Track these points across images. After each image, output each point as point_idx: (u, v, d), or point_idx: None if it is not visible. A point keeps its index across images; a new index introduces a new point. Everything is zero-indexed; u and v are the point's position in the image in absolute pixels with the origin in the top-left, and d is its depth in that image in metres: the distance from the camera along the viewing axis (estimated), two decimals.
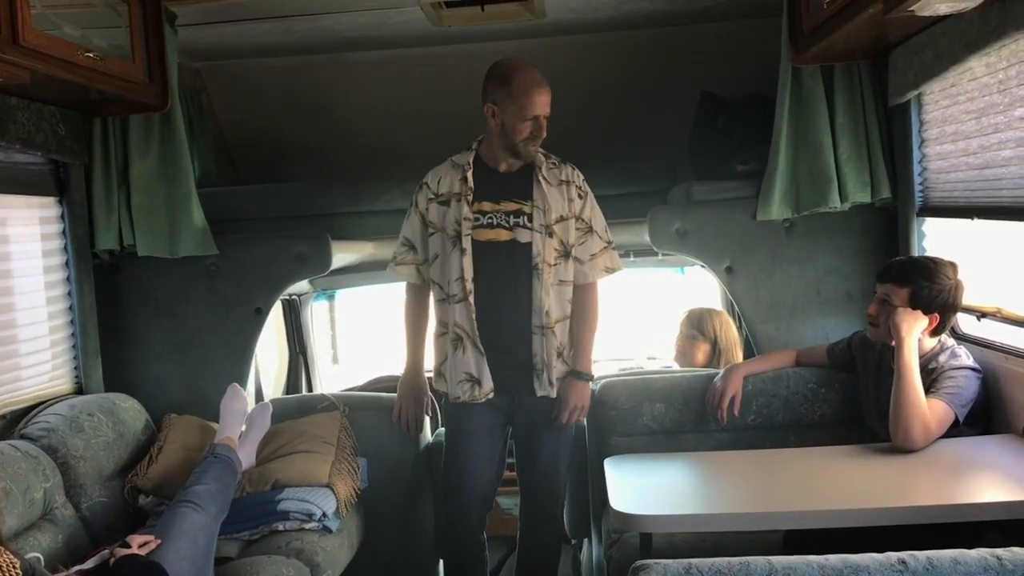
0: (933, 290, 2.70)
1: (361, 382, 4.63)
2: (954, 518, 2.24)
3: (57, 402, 3.07)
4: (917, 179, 3.15)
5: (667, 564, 1.56)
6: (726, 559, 1.57)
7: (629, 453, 2.98)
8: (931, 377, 2.72)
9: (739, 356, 3.96)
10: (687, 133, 3.79)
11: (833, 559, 1.55)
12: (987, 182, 2.68)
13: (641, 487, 2.63)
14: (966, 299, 2.79)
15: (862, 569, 1.52)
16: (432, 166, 3.15)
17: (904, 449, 2.60)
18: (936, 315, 2.71)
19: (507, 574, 4.34)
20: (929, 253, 3.10)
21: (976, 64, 2.57)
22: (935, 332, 2.76)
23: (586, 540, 3.59)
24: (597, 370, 4.70)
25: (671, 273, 5.17)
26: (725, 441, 3.12)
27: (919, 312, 2.71)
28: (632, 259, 4.29)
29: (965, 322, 2.97)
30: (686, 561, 1.57)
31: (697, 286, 5.03)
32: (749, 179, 3.46)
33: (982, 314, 2.82)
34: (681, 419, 3.16)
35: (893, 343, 2.71)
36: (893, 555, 1.55)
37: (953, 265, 2.76)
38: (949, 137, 2.90)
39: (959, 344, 2.82)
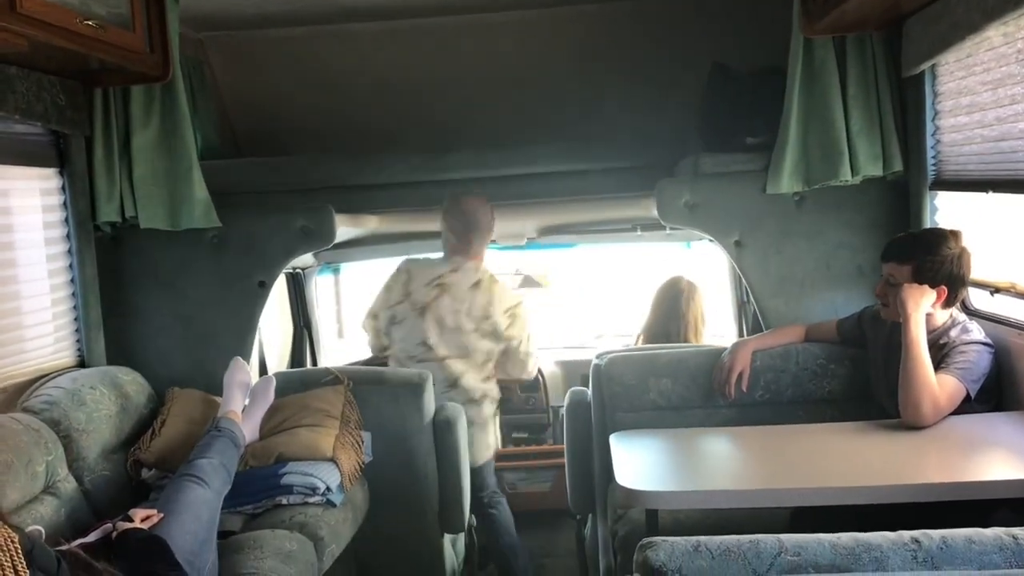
0: (935, 262, 2.67)
1: (366, 356, 4.60)
2: (964, 496, 2.21)
3: (59, 375, 3.05)
4: (930, 152, 3.10)
5: (675, 541, 1.53)
6: (735, 537, 1.54)
7: (635, 429, 2.96)
8: (942, 352, 2.69)
9: (702, 332, 3.95)
10: (695, 105, 3.73)
11: (845, 538, 1.52)
12: (1003, 155, 2.63)
13: (647, 463, 2.61)
14: (979, 274, 2.75)
15: (874, 548, 1.49)
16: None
17: (914, 425, 2.58)
18: (943, 287, 2.67)
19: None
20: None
21: (994, 33, 2.51)
22: (946, 305, 2.72)
23: (589, 516, 3.57)
24: (602, 345, 4.72)
25: (677, 248, 5.12)
26: (732, 417, 3.09)
27: (925, 286, 2.67)
28: (639, 233, 4.25)
29: (977, 297, 2.93)
30: (694, 539, 1.54)
31: (704, 260, 5.01)
32: (759, 152, 3.41)
33: (995, 289, 2.78)
34: (688, 395, 3.13)
35: (902, 320, 2.68)
36: (906, 534, 1.52)
37: (955, 234, 2.72)
38: (964, 109, 2.84)
39: (971, 319, 2.78)
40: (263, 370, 4.28)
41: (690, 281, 4.11)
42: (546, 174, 3.83)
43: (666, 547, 1.53)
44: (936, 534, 1.52)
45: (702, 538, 1.54)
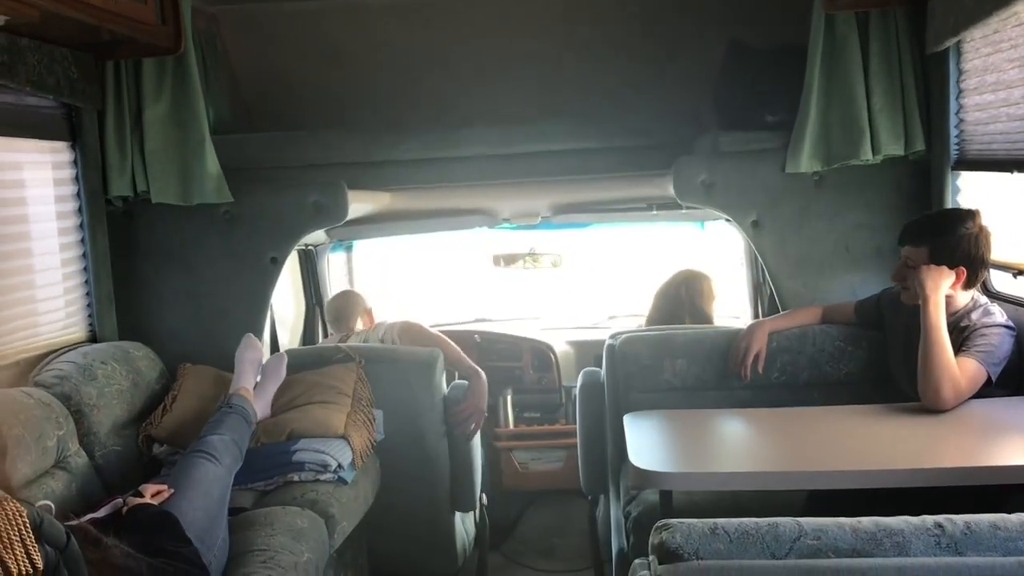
0: (952, 243, 2.62)
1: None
2: (983, 481, 2.17)
3: (70, 350, 3.05)
4: (953, 131, 3.04)
5: (692, 524, 1.50)
6: (753, 520, 1.51)
7: (649, 409, 2.93)
8: (963, 335, 2.64)
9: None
10: (712, 82, 3.67)
11: (866, 522, 1.49)
12: None
13: (661, 444, 2.58)
14: (1001, 255, 2.69)
15: (896, 532, 1.46)
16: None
17: (933, 409, 2.53)
18: (962, 268, 2.63)
19: (524, 527, 4.35)
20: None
21: (1022, 8, 2.44)
22: (966, 286, 2.67)
23: (601, 496, 3.55)
24: (615, 326, 4.69)
25: (691, 229, 5.07)
26: (748, 399, 3.05)
27: (943, 268, 2.62)
28: (655, 213, 4.21)
29: (1000, 279, 2.88)
30: (711, 521, 1.51)
31: (717, 241, 4.96)
32: (778, 130, 3.36)
33: (1018, 271, 2.73)
34: (703, 376, 3.10)
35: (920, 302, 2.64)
36: (929, 519, 1.48)
37: (972, 213, 2.67)
38: (989, 87, 2.78)
39: (993, 302, 2.74)
40: (275, 347, 4.27)
41: (692, 271, 4.03)
42: (560, 151, 3.78)
43: (683, 529, 1.50)
44: (960, 519, 1.48)
45: (719, 520, 1.51)
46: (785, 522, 1.49)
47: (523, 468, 4.35)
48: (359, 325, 4.00)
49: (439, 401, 3.27)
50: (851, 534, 1.46)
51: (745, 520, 1.51)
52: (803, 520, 1.50)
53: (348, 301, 4.22)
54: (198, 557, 2.20)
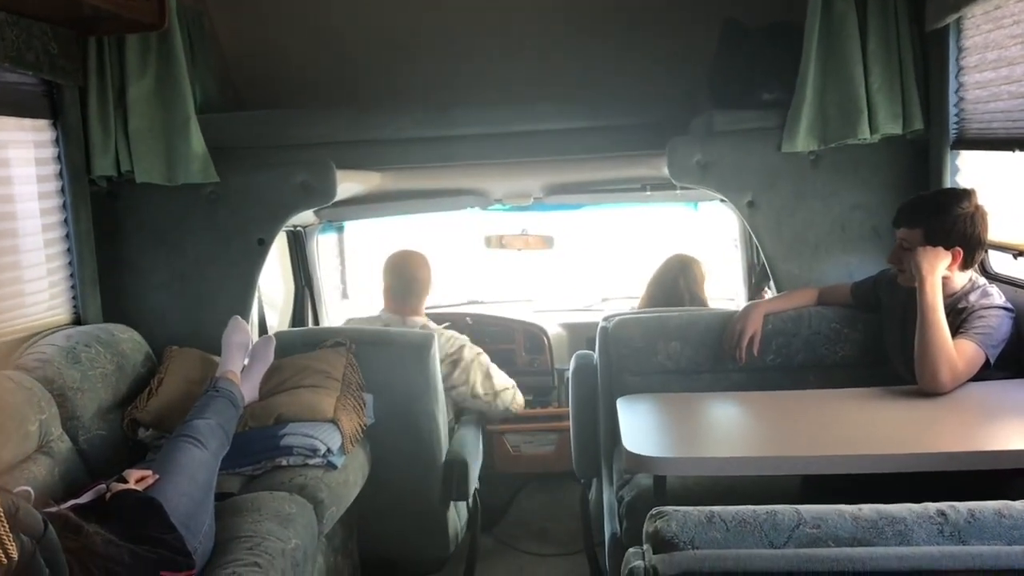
0: (947, 223, 2.59)
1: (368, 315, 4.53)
2: (983, 465, 2.14)
3: (53, 332, 2.99)
4: (952, 109, 3.00)
5: (687, 512, 1.46)
6: (751, 508, 1.47)
7: (642, 392, 2.89)
8: (961, 317, 2.61)
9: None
10: (706, 60, 3.61)
11: (867, 509, 1.45)
12: None
13: (655, 428, 2.54)
14: (1001, 236, 2.65)
15: (898, 520, 1.42)
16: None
17: (931, 392, 2.51)
18: (958, 249, 2.59)
19: (516, 510, 4.33)
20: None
21: None
22: (963, 267, 2.64)
23: (594, 479, 3.52)
24: (608, 308, 4.64)
25: (684, 210, 5.02)
26: (742, 381, 3.02)
27: (940, 249, 2.59)
28: (648, 193, 4.16)
29: (999, 260, 2.84)
30: (707, 509, 1.47)
31: (710, 222, 4.92)
32: (774, 109, 3.30)
33: (1019, 252, 2.69)
34: (697, 358, 3.06)
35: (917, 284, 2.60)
36: (931, 506, 1.44)
37: (967, 192, 2.64)
38: (990, 64, 2.73)
39: (991, 283, 2.70)
40: (263, 329, 4.22)
41: (684, 257, 3.98)
42: (553, 131, 3.72)
43: (678, 517, 1.45)
44: (963, 507, 1.44)
45: (716, 508, 1.47)
46: (783, 510, 1.45)
47: (515, 451, 4.31)
48: (420, 318, 3.69)
49: (433, 385, 3.22)
50: (851, 522, 1.42)
51: (742, 508, 1.47)
52: (802, 508, 1.46)
53: (424, 273, 3.70)
54: (182, 543, 2.15)
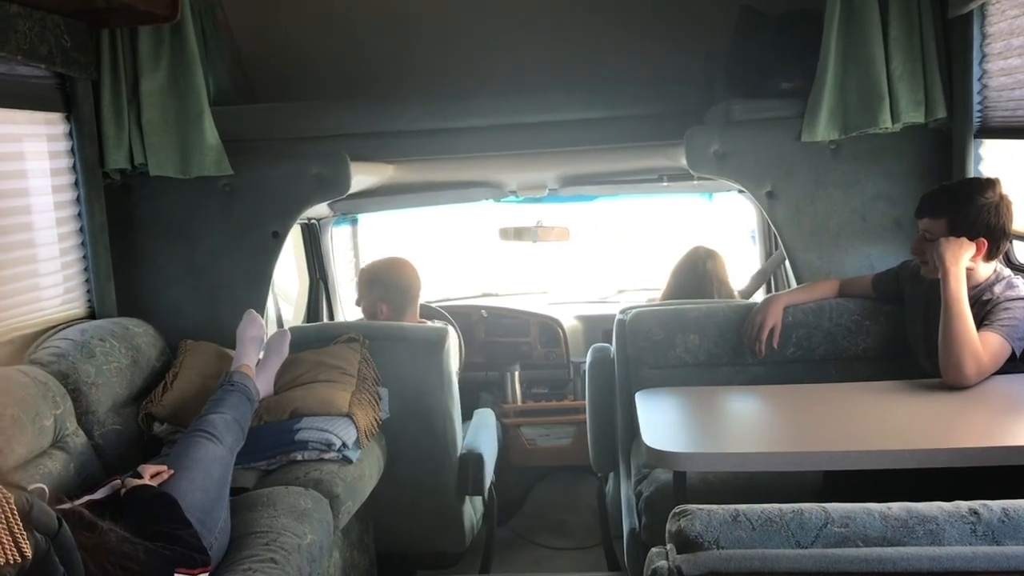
0: (971, 213, 2.55)
1: None
2: (1009, 461, 2.09)
3: (68, 327, 2.97)
4: (976, 97, 2.94)
5: (712, 511, 1.43)
6: (776, 506, 1.43)
7: (660, 386, 2.86)
8: (985, 309, 2.57)
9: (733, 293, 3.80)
10: (723, 48, 3.55)
11: (896, 508, 1.41)
12: None
13: (674, 422, 2.51)
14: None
15: (929, 520, 1.38)
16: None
17: (955, 386, 2.47)
18: (983, 239, 2.55)
19: (532, 503, 4.31)
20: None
21: None
22: (988, 258, 2.59)
23: (611, 473, 3.49)
24: (624, 299, 4.61)
25: (699, 200, 4.98)
26: (762, 375, 2.99)
27: (963, 239, 2.55)
28: (665, 184, 4.11)
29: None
30: (732, 508, 1.44)
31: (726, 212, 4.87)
32: (794, 97, 3.25)
33: None
34: (716, 351, 3.03)
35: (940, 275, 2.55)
36: (963, 505, 1.40)
37: (992, 182, 2.59)
38: (1016, 51, 2.68)
39: (1016, 274, 2.66)
40: (280, 323, 4.21)
41: (707, 248, 3.93)
42: (569, 121, 3.67)
43: (702, 516, 1.42)
44: (996, 505, 1.40)
45: (741, 507, 1.43)
46: (810, 508, 1.41)
47: (531, 444, 4.29)
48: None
49: (447, 380, 3.20)
50: (881, 521, 1.39)
51: (768, 507, 1.43)
52: (829, 506, 1.42)
53: (414, 281, 3.68)
54: (198, 540, 2.13)
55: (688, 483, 2.32)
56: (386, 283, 3.63)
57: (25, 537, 1.47)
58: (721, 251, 3.89)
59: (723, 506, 1.45)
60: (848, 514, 1.40)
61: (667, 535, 1.47)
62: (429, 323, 3.66)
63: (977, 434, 2.31)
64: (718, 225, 5.04)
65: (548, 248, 5.12)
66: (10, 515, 1.44)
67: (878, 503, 1.44)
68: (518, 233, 4.74)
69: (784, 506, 1.43)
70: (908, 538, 1.37)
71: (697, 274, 3.74)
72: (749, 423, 2.56)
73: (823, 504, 1.43)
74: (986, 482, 2.09)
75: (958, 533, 1.37)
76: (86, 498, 2.24)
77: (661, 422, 2.42)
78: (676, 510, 1.47)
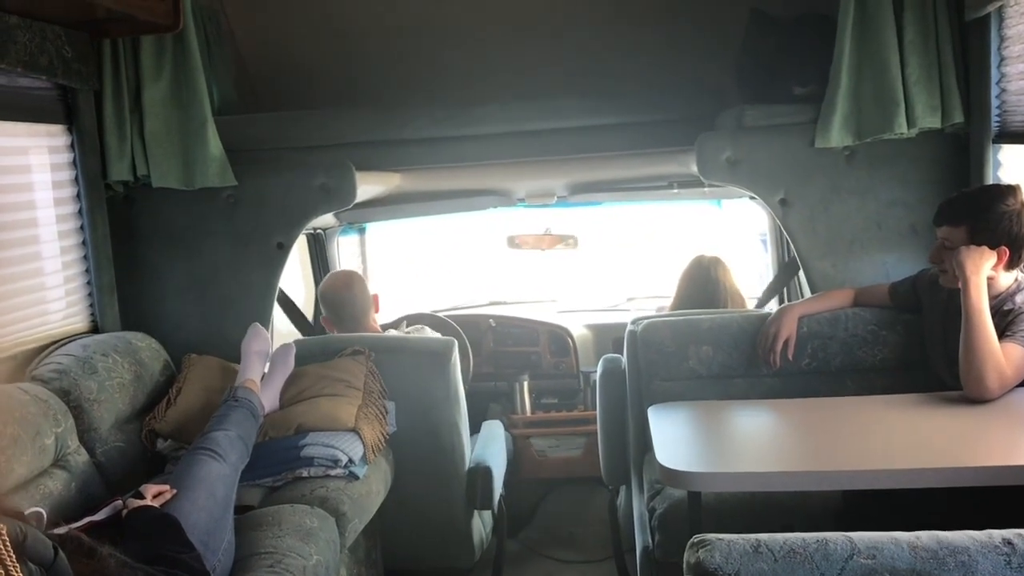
0: (992, 221, 2.48)
1: (392, 319, 4.46)
2: None
3: (69, 342, 2.93)
4: (994, 102, 2.87)
5: (732, 541, 1.37)
6: (800, 536, 1.37)
7: (673, 399, 2.80)
8: (1008, 319, 2.51)
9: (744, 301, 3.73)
10: (733, 53, 3.50)
11: (925, 537, 1.35)
12: None
13: (688, 439, 2.45)
14: None
15: (961, 551, 1.31)
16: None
17: (977, 399, 2.40)
18: (1004, 248, 2.49)
19: (542, 516, 4.25)
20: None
21: None
22: (1009, 267, 2.53)
23: (623, 486, 3.43)
24: (634, 308, 4.55)
25: (708, 208, 4.92)
26: (777, 387, 2.92)
27: (984, 248, 2.48)
28: (676, 191, 4.05)
29: None
30: (753, 537, 1.37)
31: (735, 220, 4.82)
32: (807, 103, 3.18)
33: None
34: (730, 363, 2.96)
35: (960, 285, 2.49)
36: (996, 534, 1.34)
37: (1012, 189, 2.53)
38: None
39: None
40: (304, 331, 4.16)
41: (712, 256, 3.86)
42: (577, 128, 3.62)
43: (722, 547, 1.36)
44: None
45: (762, 537, 1.37)
46: (835, 538, 1.35)
47: (541, 456, 4.24)
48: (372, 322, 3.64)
49: (454, 393, 3.14)
50: (909, 552, 1.32)
51: (791, 536, 1.37)
52: (855, 536, 1.36)
53: (361, 291, 3.61)
54: (201, 563, 2.08)
55: (703, 500, 2.26)
56: (324, 299, 3.61)
57: (18, 569, 1.41)
58: (726, 258, 3.83)
59: (743, 536, 1.39)
60: (875, 544, 1.34)
61: (685, 566, 1.41)
62: (413, 331, 3.62)
63: (1004, 451, 2.23)
64: (724, 231, 4.99)
65: (556, 255, 5.07)
66: (2, 547, 1.39)
67: (906, 532, 1.38)
68: (527, 242, 4.71)
69: (808, 536, 1.37)
70: (939, 570, 1.31)
71: (706, 283, 3.67)
72: (765, 440, 2.49)
73: (848, 534, 1.37)
74: (1012, 502, 2.03)
75: (992, 565, 1.30)
76: (87, 519, 2.21)
77: (675, 439, 2.36)
78: (694, 540, 1.41)
